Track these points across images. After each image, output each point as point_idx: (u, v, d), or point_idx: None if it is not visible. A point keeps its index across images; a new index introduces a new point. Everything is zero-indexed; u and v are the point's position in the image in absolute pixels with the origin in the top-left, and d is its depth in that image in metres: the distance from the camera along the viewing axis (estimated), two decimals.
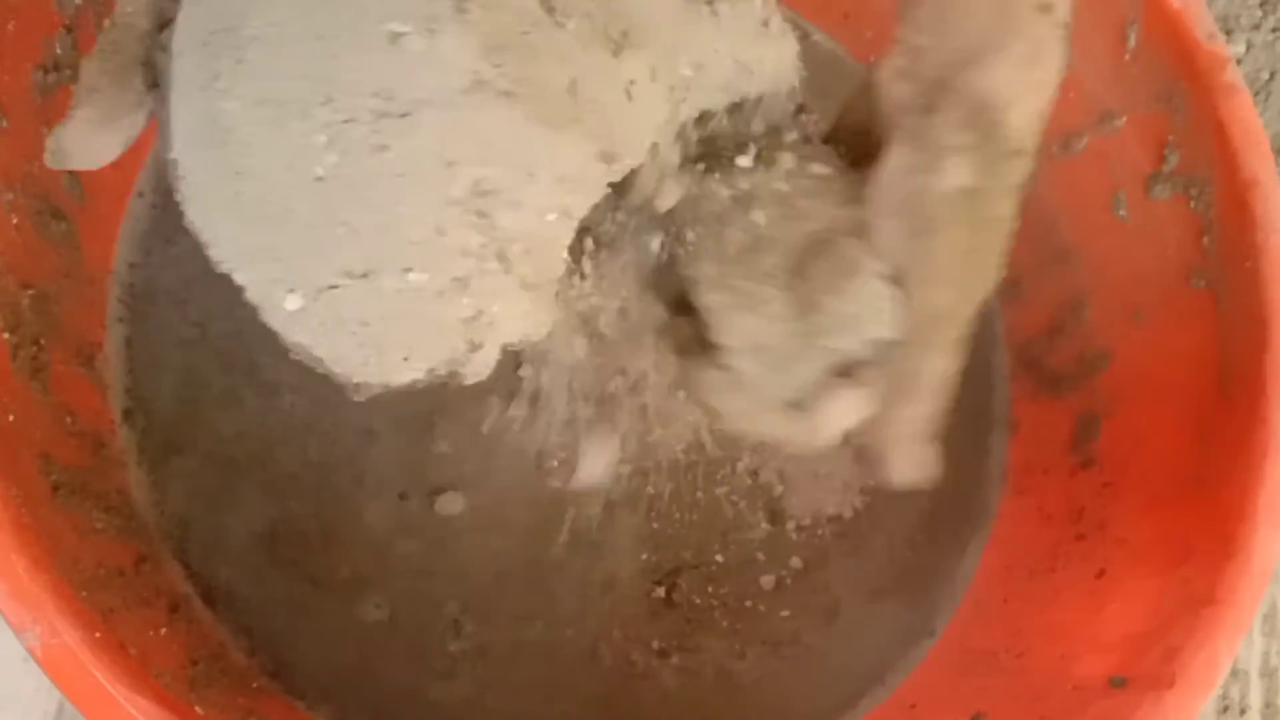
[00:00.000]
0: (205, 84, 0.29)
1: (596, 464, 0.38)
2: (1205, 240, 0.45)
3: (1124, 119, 0.48)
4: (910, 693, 0.50)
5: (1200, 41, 0.44)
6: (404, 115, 0.28)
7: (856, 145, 0.34)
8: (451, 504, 0.49)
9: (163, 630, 0.42)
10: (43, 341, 0.42)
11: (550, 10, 0.30)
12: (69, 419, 0.43)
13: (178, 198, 0.29)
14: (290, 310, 0.29)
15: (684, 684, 0.49)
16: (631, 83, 0.31)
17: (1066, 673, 0.44)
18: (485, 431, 0.49)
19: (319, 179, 0.28)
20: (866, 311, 0.32)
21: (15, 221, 0.41)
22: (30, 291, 0.42)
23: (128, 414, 0.48)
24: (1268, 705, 0.56)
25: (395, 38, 0.28)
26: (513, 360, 0.50)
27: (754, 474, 0.51)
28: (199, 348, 0.49)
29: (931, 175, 0.30)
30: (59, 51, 0.43)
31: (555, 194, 0.30)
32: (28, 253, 0.42)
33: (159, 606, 0.43)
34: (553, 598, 0.48)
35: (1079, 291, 0.52)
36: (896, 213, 0.31)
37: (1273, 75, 0.64)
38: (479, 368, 0.31)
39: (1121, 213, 0.49)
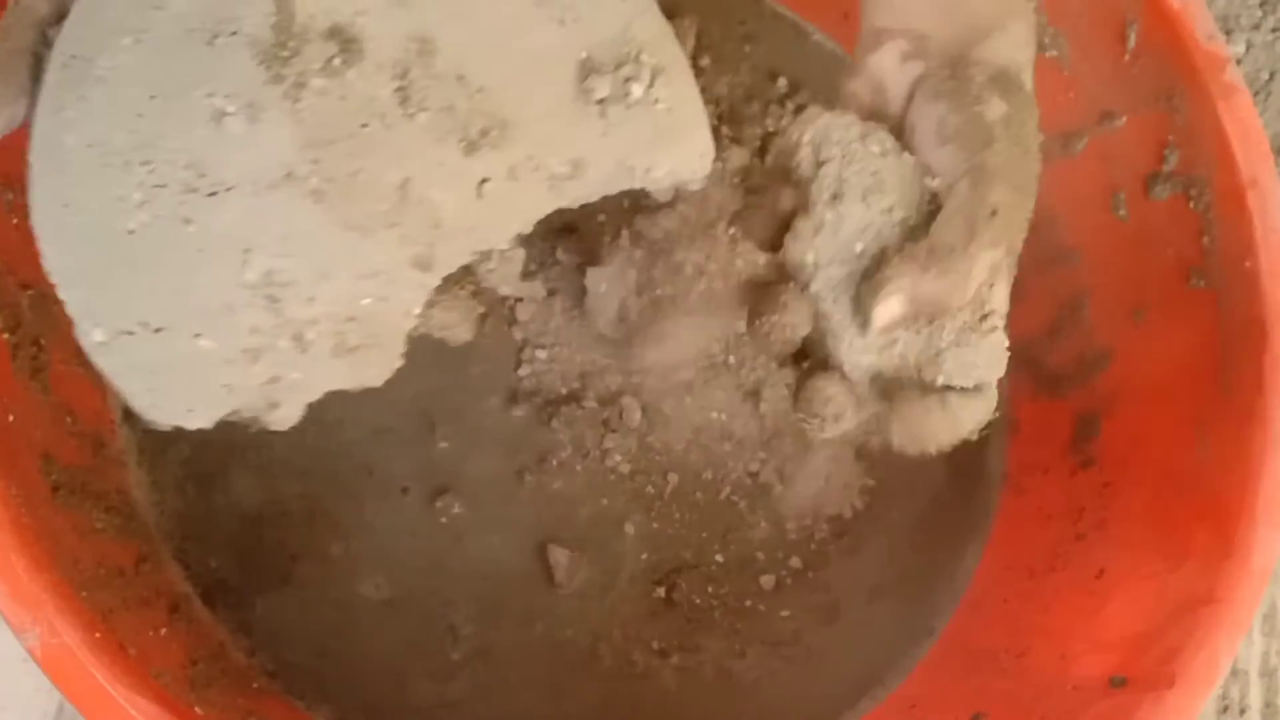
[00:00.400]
0: (54, 111, 0.30)
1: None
2: (1205, 240, 0.45)
3: (1124, 119, 0.48)
4: (910, 692, 0.50)
5: (1200, 42, 0.44)
6: (211, 194, 0.29)
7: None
8: (451, 503, 0.49)
9: (162, 630, 0.42)
10: (43, 342, 0.42)
11: (404, 101, 0.30)
12: (69, 419, 0.43)
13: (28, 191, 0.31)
14: (95, 340, 0.30)
15: (684, 684, 0.49)
16: (484, 181, 0.31)
17: (1066, 673, 0.44)
18: (486, 430, 0.50)
19: (130, 231, 0.30)
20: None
21: (15, 222, 0.41)
22: (30, 292, 0.42)
23: (128, 414, 0.48)
24: (1267, 705, 0.56)
25: (219, 116, 0.29)
26: (513, 360, 0.50)
27: (754, 474, 0.51)
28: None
29: (979, 106, 0.34)
30: None
31: (360, 289, 0.31)
32: (28, 253, 0.42)
33: (159, 607, 0.43)
34: (553, 597, 0.48)
35: (1079, 291, 0.52)
36: (950, 141, 0.34)
37: (1272, 75, 0.64)
38: (282, 420, 0.32)
39: (1121, 212, 0.49)
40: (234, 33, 0.30)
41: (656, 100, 0.33)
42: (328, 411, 0.48)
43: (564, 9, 0.32)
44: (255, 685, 0.45)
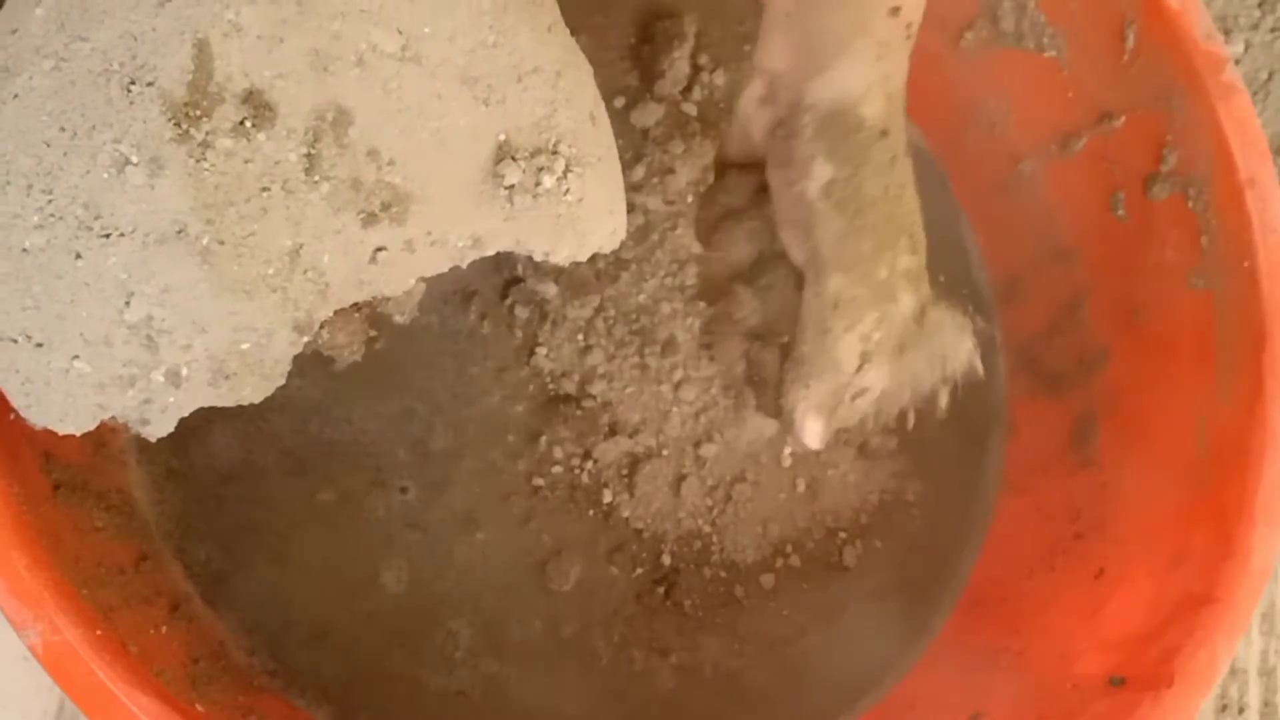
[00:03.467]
0: None
1: None
2: (1203, 240, 0.46)
3: (1123, 119, 0.49)
4: (910, 692, 0.50)
5: (1199, 42, 0.44)
6: (103, 236, 0.30)
7: (750, 170, 0.38)
8: (450, 502, 0.49)
9: (163, 628, 0.42)
10: None
11: (309, 169, 0.30)
12: None
13: None
14: None
15: (684, 683, 0.49)
16: (380, 250, 0.32)
17: (1066, 672, 0.44)
18: (485, 429, 0.50)
19: (24, 250, 0.30)
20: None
21: None
22: None
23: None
24: (1266, 704, 0.56)
25: (123, 164, 0.30)
26: (513, 359, 0.50)
27: (753, 476, 0.51)
28: None
29: (800, 183, 0.34)
30: None
31: (235, 342, 0.31)
32: None
33: (159, 605, 0.43)
34: (553, 597, 0.48)
35: (1078, 291, 0.52)
36: (788, 223, 0.35)
37: (1271, 75, 0.64)
38: (153, 433, 0.32)
39: (1120, 212, 0.50)
40: (150, 83, 0.30)
41: (567, 191, 0.33)
42: (332, 409, 0.48)
43: (490, 90, 0.32)
44: (255, 683, 0.45)
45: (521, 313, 0.50)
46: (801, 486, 0.51)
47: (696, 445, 0.50)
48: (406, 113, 0.31)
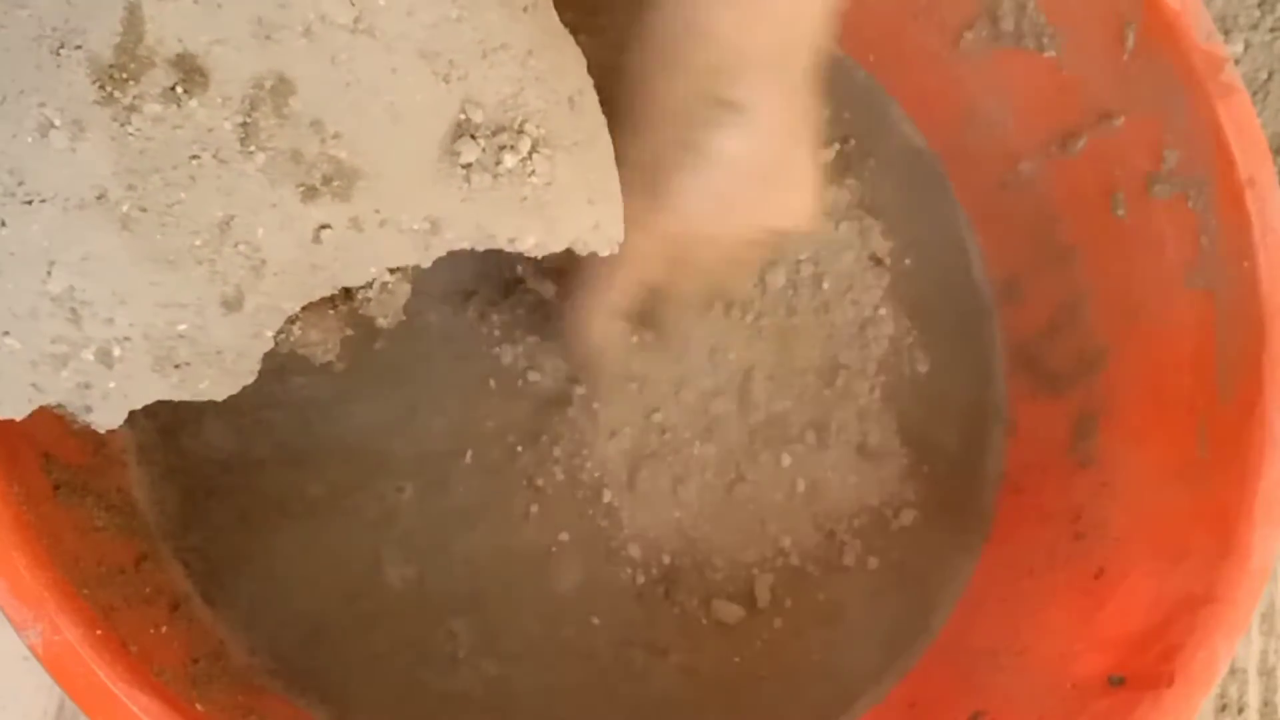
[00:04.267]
0: None
1: None
2: (1203, 240, 0.46)
3: (1122, 119, 0.49)
4: (909, 691, 0.50)
5: (1198, 42, 0.44)
6: (26, 203, 0.29)
7: None
8: (448, 501, 0.49)
9: (163, 628, 0.42)
10: None
11: (244, 139, 0.29)
12: (69, 418, 0.43)
13: None
14: None
15: (684, 684, 0.49)
16: (323, 227, 0.30)
17: (1065, 671, 0.44)
18: (484, 428, 0.50)
19: None
20: None
21: None
22: None
23: (129, 413, 0.48)
24: (1265, 704, 0.56)
25: (46, 127, 0.29)
26: (511, 357, 0.50)
27: (753, 476, 0.51)
28: None
29: None
30: None
31: (169, 321, 0.30)
32: None
33: (160, 604, 0.43)
34: (552, 597, 0.48)
35: (1077, 291, 0.52)
36: None
37: (1270, 75, 0.64)
38: (101, 423, 0.31)
39: (1120, 212, 0.50)
40: (78, 46, 0.29)
41: (532, 173, 0.32)
42: (332, 408, 0.48)
43: (450, 66, 0.31)
44: (255, 683, 0.45)
45: (521, 313, 0.50)
46: (801, 487, 0.51)
47: (696, 446, 0.50)
48: (356, 86, 0.30)
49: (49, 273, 0.30)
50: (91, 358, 0.31)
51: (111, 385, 0.31)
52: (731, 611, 0.49)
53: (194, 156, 0.29)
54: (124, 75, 0.29)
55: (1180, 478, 0.45)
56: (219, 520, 0.47)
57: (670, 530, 0.50)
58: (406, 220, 0.31)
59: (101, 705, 0.34)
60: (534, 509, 0.49)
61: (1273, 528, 0.41)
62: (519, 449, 0.49)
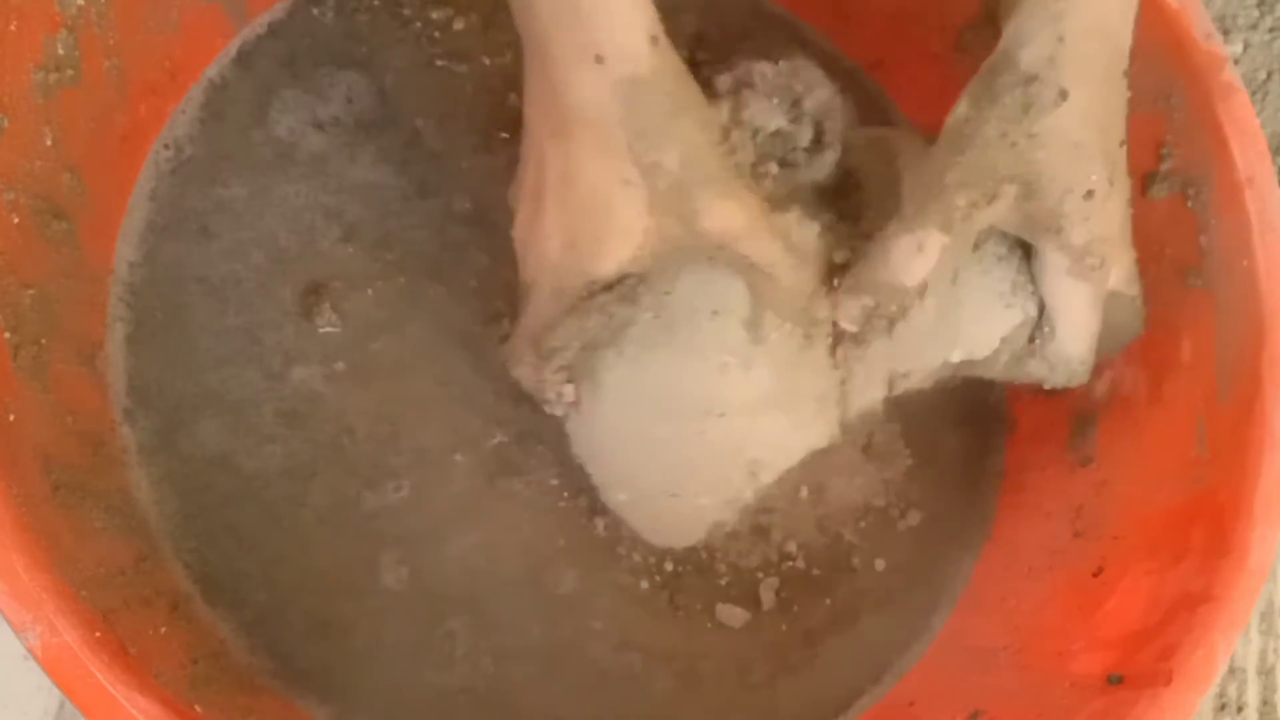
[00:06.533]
0: (601, 385, 0.43)
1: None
2: (1202, 239, 0.46)
3: None
4: (909, 690, 0.50)
5: (1198, 41, 0.44)
6: (719, 416, 0.42)
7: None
8: (446, 502, 0.49)
9: (163, 629, 0.42)
10: (44, 341, 0.42)
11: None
12: (69, 418, 0.43)
13: None
14: (619, 499, 0.47)
15: (683, 684, 0.49)
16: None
17: (1064, 670, 0.44)
18: (482, 430, 0.50)
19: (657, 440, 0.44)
20: None
21: (16, 221, 0.41)
22: (31, 291, 0.42)
23: (128, 413, 0.48)
24: (1265, 703, 0.56)
25: (725, 367, 0.42)
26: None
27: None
28: (200, 345, 0.49)
29: None
30: (60, 52, 0.43)
31: (796, 458, 0.45)
32: (28, 252, 0.42)
33: (159, 606, 0.43)
34: (553, 599, 0.48)
35: None
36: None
37: (1270, 75, 0.64)
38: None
39: None
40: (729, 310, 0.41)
41: None
42: (331, 408, 0.48)
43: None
44: (256, 683, 0.45)
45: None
46: (806, 489, 0.51)
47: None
48: None
49: (740, 452, 0.43)
50: (751, 496, 0.44)
51: (749, 508, 0.46)
52: (736, 615, 0.49)
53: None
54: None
55: (1179, 477, 0.45)
56: (219, 521, 0.47)
57: None
58: None
59: (101, 707, 0.34)
60: (533, 511, 0.49)
61: (1271, 527, 0.41)
62: (518, 449, 0.49)
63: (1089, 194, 0.38)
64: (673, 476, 0.44)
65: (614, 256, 0.37)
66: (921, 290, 0.39)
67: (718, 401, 0.41)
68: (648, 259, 0.37)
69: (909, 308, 0.40)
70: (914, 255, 0.38)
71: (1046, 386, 0.45)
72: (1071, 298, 0.41)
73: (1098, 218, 0.39)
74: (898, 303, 0.40)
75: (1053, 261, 0.40)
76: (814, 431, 0.43)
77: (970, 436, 0.54)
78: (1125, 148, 0.40)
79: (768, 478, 0.44)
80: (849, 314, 0.40)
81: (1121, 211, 0.40)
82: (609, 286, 0.38)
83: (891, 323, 0.41)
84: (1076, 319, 0.42)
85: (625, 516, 0.47)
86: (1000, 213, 0.39)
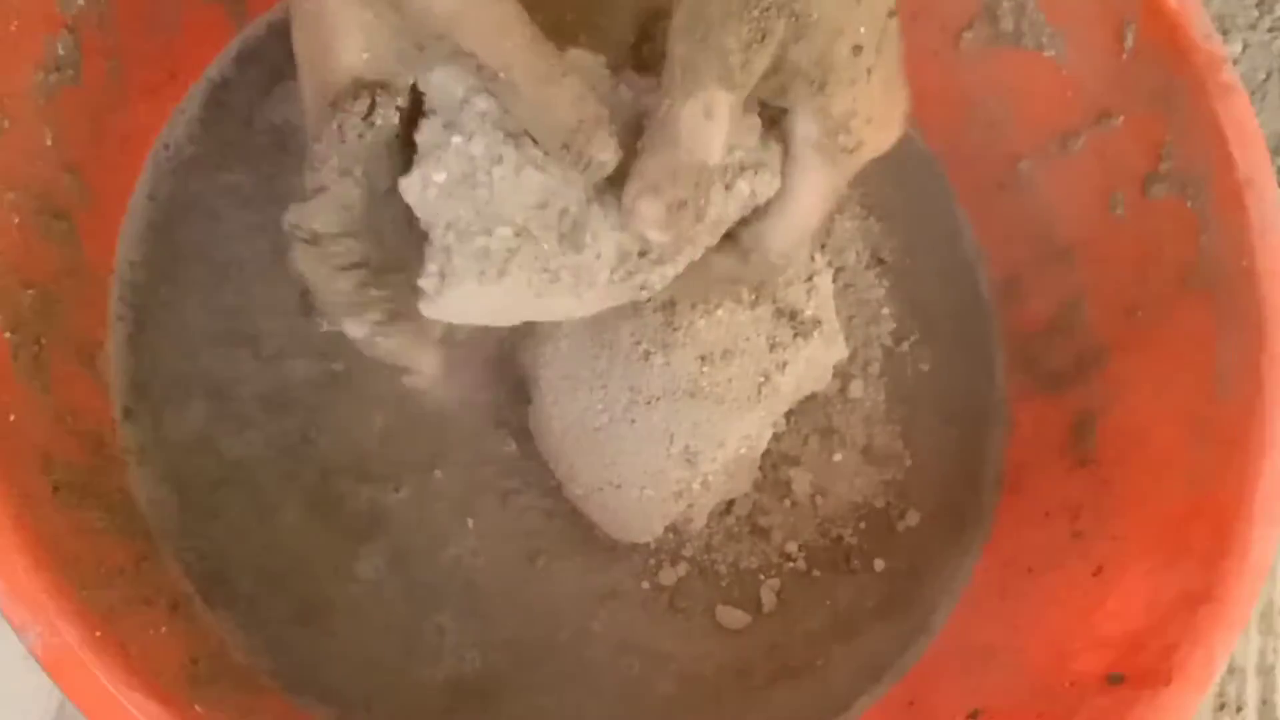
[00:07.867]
0: (544, 361, 0.46)
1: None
2: (1202, 239, 0.46)
3: (1121, 119, 0.49)
4: (908, 690, 0.50)
5: (1197, 41, 0.44)
6: (647, 403, 0.44)
7: None
8: (445, 502, 0.48)
9: (163, 629, 0.42)
10: (44, 341, 0.42)
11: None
12: (69, 418, 0.43)
13: None
14: (576, 493, 0.48)
15: (684, 686, 0.49)
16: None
17: (1064, 669, 0.44)
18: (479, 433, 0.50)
19: (596, 429, 0.45)
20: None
21: (16, 221, 0.41)
22: (31, 291, 0.42)
23: (128, 413, 0.48)
24: (1264, 702, 0.57)
25: (646, 354, 0.43)
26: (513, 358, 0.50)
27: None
28: (200, 345, 0.49)
29: None
30: (60, 52, 0.43)
31: (743, 445, 0.46)
32: (29, 252, 0.42)
33: (159, 605, 0.43)
34: (552, 600, 0.48)
35: (1076, 290, 0.52)
36: None
37: (1269, 75, 0.65)
38: (698, 523, 0.49)
39: (1119, 212, 0.50)
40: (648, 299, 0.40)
41: None
42: (330, 408, 0.48)
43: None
44: (256, 683, 0.45)
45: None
46: (806, 490, 0.51)
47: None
48: None
49: (671, 440, 0.43)
50: (698, 487, 0.45)
51: (704, 501, 0.46)
52: (736, 617, 0.49)
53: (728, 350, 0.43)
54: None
55: (1179, 477, 0.45)
56: (218, 521, 0.47)
57: (671, 534, 0.49)
58: None
59: (101, 707, 0.34)
60: (532, 512, 0.49)
61: (1271, 526, 0.41)
62: (516, 449, 0.49)
63: (856, 49, 0.33)
64: (613, 468, 0.44)
65: (342, 64, 0.33)
66: (721, 165, 0.33)
67: (642, 389, 0.43)
68: (384, 61, 0.33)
69: (710, 188, 0.33)
70: (703, 124, 0.32)
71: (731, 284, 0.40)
72: (807, 173, 0.35)
73: (862, 87, 0.33)
74: (703, 187, 0.32)
75: (802, 129, 0.35)
76: (744, 417, 0.44)
77: (970, 436, 0.54)
78: (895, 20, 0.35)
79: (706, 466, 0.44)
80: (654, 218, 0.32)
81: (883, 93, 0.34)
82: (355, 97, 0.33)
83: (699, 214, 0.33)
84: (801, 203, 0.35)
85: (584, 510, 0.47)
86: (771, 53, 0.32)
